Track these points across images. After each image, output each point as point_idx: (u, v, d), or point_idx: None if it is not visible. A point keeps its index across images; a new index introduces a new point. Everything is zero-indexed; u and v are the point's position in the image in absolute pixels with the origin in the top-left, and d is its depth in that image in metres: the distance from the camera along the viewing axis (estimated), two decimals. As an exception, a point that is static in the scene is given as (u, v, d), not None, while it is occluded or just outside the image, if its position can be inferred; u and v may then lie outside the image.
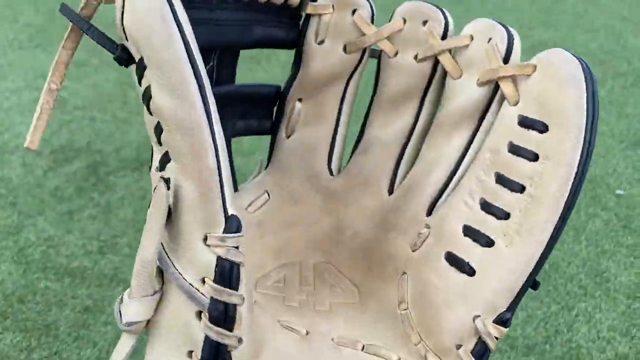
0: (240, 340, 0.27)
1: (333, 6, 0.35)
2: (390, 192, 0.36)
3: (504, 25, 0.33)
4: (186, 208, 0.26)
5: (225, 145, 0.28)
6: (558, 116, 0.28)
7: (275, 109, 0.39)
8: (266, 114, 0.39)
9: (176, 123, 0.26)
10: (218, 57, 0.37)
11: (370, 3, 0.37)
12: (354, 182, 0.37)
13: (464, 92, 0.33)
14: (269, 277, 0.35)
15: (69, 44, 0.31)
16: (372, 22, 0.37)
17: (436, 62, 0.35)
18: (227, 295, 0.26)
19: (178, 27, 0.26)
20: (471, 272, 0.29)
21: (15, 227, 1.16)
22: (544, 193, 0.27)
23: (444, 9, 0.35)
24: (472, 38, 0.34)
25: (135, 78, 0.28)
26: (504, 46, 0.32)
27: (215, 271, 0.26)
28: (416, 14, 0.35)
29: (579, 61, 0.29)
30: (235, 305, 0.26)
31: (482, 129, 0.33)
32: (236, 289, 0.26)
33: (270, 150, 0.40)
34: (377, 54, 0.37)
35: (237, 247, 0.26)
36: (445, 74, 0.34)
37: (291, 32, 0.37)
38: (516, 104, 0.30)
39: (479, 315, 0.28)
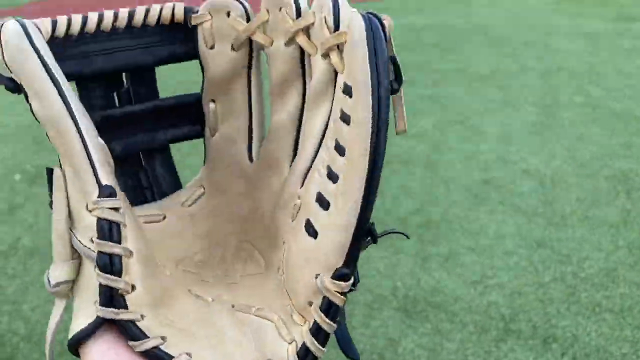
0: (133, 287, 0.31)
1: (210, 13, 0.38)
2: None
3: None
4: (70, 185, 0.32)
5: (95, 132, 0.33)
6: (354, 80, 0.28)
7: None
8: (195, 119, 0.42)
9: (44, 120, 0.32)
10: (132, 79, 0.41)
11: (242, 2, 0.38)
12: (264, 165, 0.39)
13: (317, 68, 0.33)
14: (192, 258, 0.39)
15: None
16: (248, 19, 0.38)
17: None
18: (108, 247, 0.31)
19: (35, 51, 0.32)
20: (315, 234, 0.31)
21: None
22: (352, 154, 0.29)
23: None
24: (314, 15, 0.33)
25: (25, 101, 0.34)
26: (331, 18, 0.31)
27: (97, 229, 0.31)
28: (273, 2, 0.35)
29: (366, 21, 0.28)
30: (120, 256, 0.31)
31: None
32: (118, 242, 0.31)
33: (204, 149, 0.43)
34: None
35: (115, 209, 0.31)
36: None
37: (188, 45, 0.40)
38: (343, 72, 0.30)
39: (319, 274, 0.30)
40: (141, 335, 0.31)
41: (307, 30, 0.34)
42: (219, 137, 0.41)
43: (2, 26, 0.33)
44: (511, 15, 4.20)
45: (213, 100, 0.41)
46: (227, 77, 0.40)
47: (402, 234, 0.35)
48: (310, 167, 0.34)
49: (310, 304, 0.31)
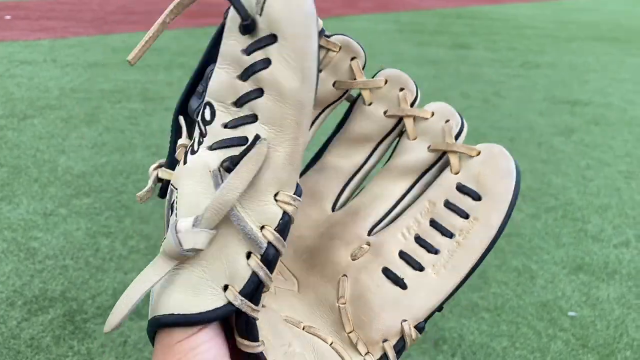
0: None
1: (340, 47, 0.39)
2: (333, 209, 0.41)
3: (460, 114, 0.39)
4: (271, 166, 0.30)
5: None
6: (493, 194, 0.35)
7: None
8: None
9: (294, 98, 0.29)
10: None
11: (365, 55, 0.40)
12: (305, 193, 0.41)
13: (415, 152, 0.39)
14: None
15: None
16: (363, 70, 0.41)
17: (399, 122, 0.40)
18: (281, 245, 0.30)
19: (316, 33, 0.29)
20: (404, 286, 0.36)
21: (-9, 381, 1.12)
22: (470, 243, 0.35)
23: (414, 81, 0.41)
24: (432, 114, 0.39)
25: (239, 46, 0.30)
26: (457, 129, 0.38)
27: (279, 223, 0.30)
28: (396, 79, 0.41)
29: (513, 159, 0.36)
30: (280, 254, 0.30)
31: (421, 181, 0.39)
32: (285, 242, 0.30)
33: None
34: (352, 99, 0.42)
35: (296, 209, 0.31)
36: (401, 132, 0.40)
37: None
38: (457, 173, 0.37)
39: (406, 320, 0.36)
40: (257, 337, 0.30)
41: (414, 117, 0.40)
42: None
43: None
44: (362, 42, 4.45)
45: None
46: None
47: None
48: (380, 222, 0.39)
49: (385, 340, 0.36)
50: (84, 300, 1.39)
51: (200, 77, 0.34)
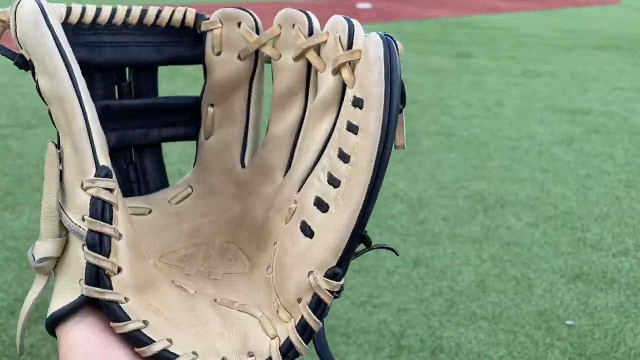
0: (119, 269, 0.31)
1: (220, 21, 0.40)
2: None
3: (346, 18, 0.34)
4: (67, 163, 0.32)
5: (96, 112, 0.33)
6: (367, 92, 0.30)
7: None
8: (190, 122, 0.43)
9: (52, 97, 0.32)
10: (135, 74, 0.41)
11: (252, 15, 0.40)
12: (257, 172, 0.40)
13: (325, 82, 0.35)
14: (176, 253, 0.39)
15: None
16: (257, 31, 0.39)
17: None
18: (99, 226, 0.31)
19: (50, 29, 0.32)
20: (311, 234, 0.32)
21: (-9, 389, 1.13)
22: (358, 161, 0.30)
23: (309, 13, 0.37)
24: (328, 34, 0.35)
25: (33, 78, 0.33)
26: (345, 36, 0.33)
27: (90, 208, 0.31)
28: (287, 19, 0.37)
29: (384, 41, 0.31)
30: (109, 237, 0.31)
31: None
32: (109, 222, 0.31)
33: (196, 151, 0.43)
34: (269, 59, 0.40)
35: (109, 190, 0.31)
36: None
37: (195, 49, 0.41)
38: (353, 87, 0.32)
39: (312, 272, 0.31)
40: (124, 317, 0.30)
41: (317, 48, 0.36)
42: (214, 141, 0.42)
43: (18, 3, 0.32)
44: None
45: (212, 105, 0.42)
46: (229, 84, 0.41)
47: (394, 250, 0.37)
48: (309, 175, 0.36)
49: (299, 300, 0.32)
50: (84, 308, 1.40)
51: None
